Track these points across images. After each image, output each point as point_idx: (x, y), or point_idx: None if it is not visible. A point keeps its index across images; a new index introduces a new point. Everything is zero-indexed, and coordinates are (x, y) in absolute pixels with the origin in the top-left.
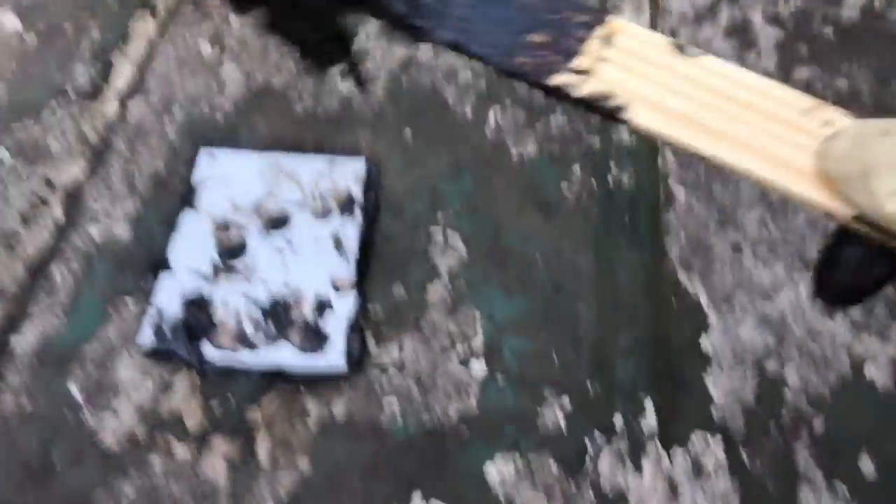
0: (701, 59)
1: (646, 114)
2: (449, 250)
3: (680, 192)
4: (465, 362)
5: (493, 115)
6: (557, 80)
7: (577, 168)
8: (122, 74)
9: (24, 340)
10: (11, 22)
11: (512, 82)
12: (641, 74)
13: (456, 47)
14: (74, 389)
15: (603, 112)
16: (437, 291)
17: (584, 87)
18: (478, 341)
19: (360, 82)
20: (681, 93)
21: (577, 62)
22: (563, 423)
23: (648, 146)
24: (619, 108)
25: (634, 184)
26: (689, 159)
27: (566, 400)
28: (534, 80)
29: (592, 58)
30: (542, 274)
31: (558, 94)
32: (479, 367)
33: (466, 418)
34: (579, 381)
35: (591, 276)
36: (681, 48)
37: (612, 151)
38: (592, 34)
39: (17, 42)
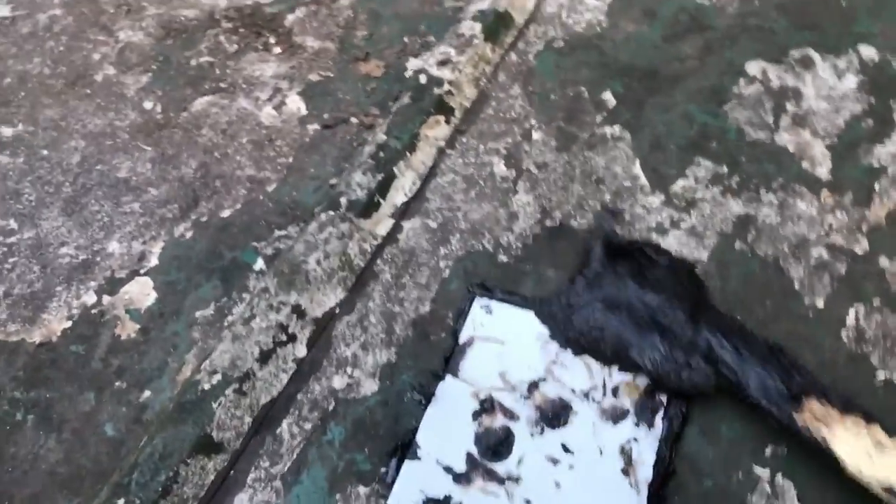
0: None
1: None
2: None
3: None
4: None
5: (853, 316)
6: None
7: None
8: (402, 188)
9: None
10: (297, 105)
11: (884, 274)
12: None
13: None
14: None
15: None
16: None
17: None
18: None
19: None
20: None
21: None
22: None
23: None
24: None
25: None
26: None
27: None
28: None
29: None
30: None
31: None
32: None
33: None
34: None
35: None
36: None
37: None
38: None
39: (298, 130)
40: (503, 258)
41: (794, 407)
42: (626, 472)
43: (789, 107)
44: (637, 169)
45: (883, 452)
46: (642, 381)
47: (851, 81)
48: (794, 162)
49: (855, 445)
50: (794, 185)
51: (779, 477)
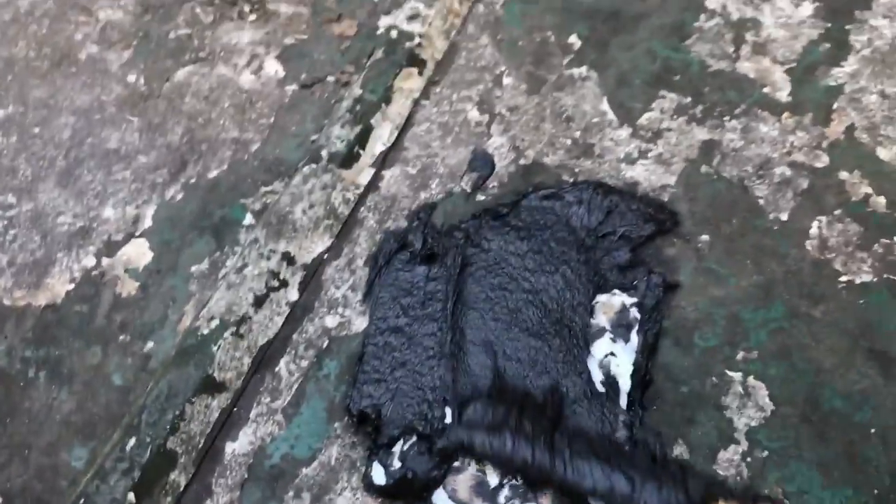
0: None
1: None
2: (750, 405)
3: None
4: None
5: (816, 226)
6: None
7: None
8: (381, 138)
9: (239, 448)
10: (274, 68)
11: (844, 185)
12: None
13: None
14: None
15: None
16: (730, 460)
17: None
18: None
19: None
20: None
21: None
22: None
23: None
24: None
25: None
26: None
27: None
28: None
29: None
30: (877, 455)
31: None
32: None
33: None
34: None
35: None
36: None
37: None
38: None
39: (277, 92)
40: (482, 197)
41: None
42: (604, 386)
43: (749, 36)
44: (605, 105)
45: None
46: (616, 301)
47: (808, 8)
48: (755, 88)
49: None
50: (756, 110)
51: (750, 379)
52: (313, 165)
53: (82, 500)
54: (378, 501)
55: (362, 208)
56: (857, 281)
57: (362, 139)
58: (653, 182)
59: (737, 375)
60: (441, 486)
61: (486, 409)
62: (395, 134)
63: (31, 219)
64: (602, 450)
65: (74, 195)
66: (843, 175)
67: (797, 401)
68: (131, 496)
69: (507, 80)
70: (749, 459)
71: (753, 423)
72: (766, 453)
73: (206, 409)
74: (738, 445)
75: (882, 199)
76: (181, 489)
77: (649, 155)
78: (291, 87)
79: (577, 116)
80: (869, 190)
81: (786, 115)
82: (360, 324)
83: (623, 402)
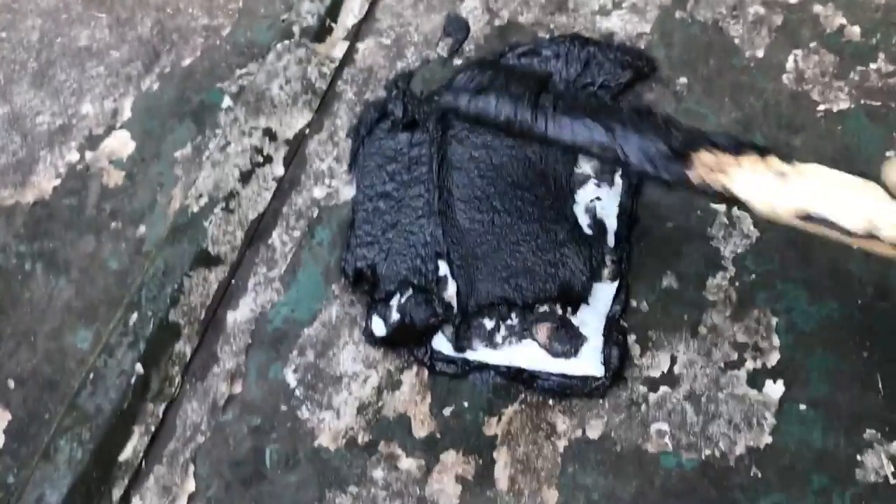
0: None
1: None
2: (735, 233)
3: None
4: (756, 382)
5: (792, 60)
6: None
7: None
8: (352, 11)
9: (240, 316)
10: None
11: (818, 18)
12: None
13: None
14: (291, 378)
15: None
16: (719, 286)
17: None
18: (773, 356)
19: None
20: None
21: None
22: (891, 477)
23: None
24: None
25: None
26: None
27: None
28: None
29: None
30: (861, 271)
31: None
32: (774, 391)
33: (758, 457)
34: None
35: None
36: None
37: None
38: None
39: None
40: (458, 62)
41: (683, 165)
42: (592, 227)
43: None
44: None
45: (787, 181)
46: None
47: None
48: None
49: (758, 184)
50: None
51: (734, 209)
52: (286, 42)
53: (92, 375)
54: (380, 350)
55: (339, 81)
56: (835, 109)
57: (333, 12)
58: (628, 31)
59: (720, 206)
60: (440, 332)
61: (474, 75)
62: (367, 6)
63: (8, 121)
64: (587, 106)
65: (50, 95)
66: (818, 8)
67: (781, 225)
68: (139, 367)
69: None
70: (738, 284)
71: (740, 250)
72: (753, 277)
73: (205, 281)
74: (726, 271)
75: (857, 28)
76: (188, 358)
77: (623, 5)
78: None
79: None
80: (843, 20)
81: None
82: (347, 193)
83: (611, 241)
